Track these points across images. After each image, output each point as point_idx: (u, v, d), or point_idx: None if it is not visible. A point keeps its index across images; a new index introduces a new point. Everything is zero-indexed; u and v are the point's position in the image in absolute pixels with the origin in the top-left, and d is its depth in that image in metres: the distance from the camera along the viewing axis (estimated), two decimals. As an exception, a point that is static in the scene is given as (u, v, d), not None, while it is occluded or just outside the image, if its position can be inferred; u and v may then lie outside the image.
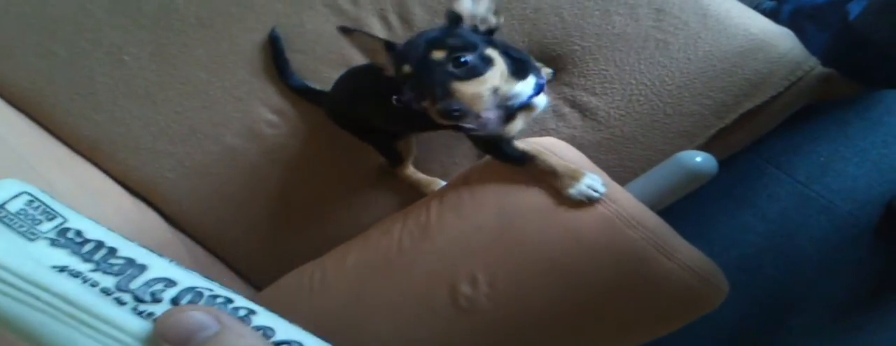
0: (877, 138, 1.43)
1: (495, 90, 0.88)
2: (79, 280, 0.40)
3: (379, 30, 1.28)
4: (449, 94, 0.84)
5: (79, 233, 0.43)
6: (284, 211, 1.33)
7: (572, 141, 1.15)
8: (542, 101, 1.02)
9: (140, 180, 1.39)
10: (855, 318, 1.44)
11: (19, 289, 0.39)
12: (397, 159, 1.25)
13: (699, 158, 0.99)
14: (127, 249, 0.43)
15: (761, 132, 1.14)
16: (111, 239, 0.44)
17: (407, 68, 0.89)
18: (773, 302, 1.45)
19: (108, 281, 0.40)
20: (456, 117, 0.84)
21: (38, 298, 0.39)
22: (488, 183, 0.98)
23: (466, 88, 0.85)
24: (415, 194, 1.25)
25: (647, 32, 1.14)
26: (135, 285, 0.40)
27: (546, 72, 1.19)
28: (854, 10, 1.19)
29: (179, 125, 1.37)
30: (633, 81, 1.14)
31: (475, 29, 0.93)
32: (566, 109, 1.17)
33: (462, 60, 0.86)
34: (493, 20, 0.94)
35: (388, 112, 1.05)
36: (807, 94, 1.10)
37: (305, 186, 1.32)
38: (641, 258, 0.89)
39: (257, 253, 1.36)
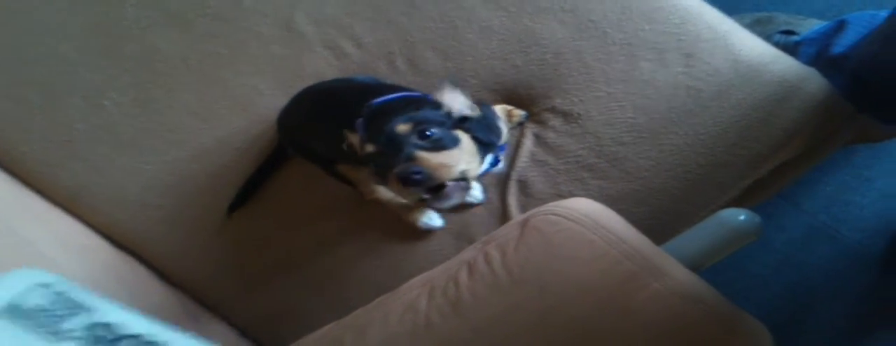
0: (883, 167, 1.34)
1: (461, 166, 0.82)
2: None
3: (385, 74, 1.12)
4: (411, 159, 0.79)
5: (111, 327, 0.34)
6: (286, 265, 1.17)
7: (600, 192, 1.03)
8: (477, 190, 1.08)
9: (127, 233, 1.22)
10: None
11: None
12: (346, 182, 1.13)
13: (742, 217, 0.88)
14: (174, 341, 0.32)
15: (793, 180, 1.03)
16: (153, 331, 0.33)
17: (370, 148, 0.83)
18: (777, 332, 1.38)
19: None
20: (415, 182, 0.77)
21: None
22: (523, 255, 0.85)
23: (432, 158, 0.80)
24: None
25: (678, 79, 1.01)
26: None
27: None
28: (838, 44, 1.07)
29: (169, 176, 1.19)
30: (663, 130, 1.01)
31: (448, 114, 0.88)
32: (593, 159, 1.04)
33: (428, 133, 0.82)
34: (468, 112, 0.90)
35: (331, 140, 0.98)
36: (843, 140, 0.99)
37: (308, 239, 1.15)
38: (705, 338, 0.77)
39: (258, 309, 1.20)
